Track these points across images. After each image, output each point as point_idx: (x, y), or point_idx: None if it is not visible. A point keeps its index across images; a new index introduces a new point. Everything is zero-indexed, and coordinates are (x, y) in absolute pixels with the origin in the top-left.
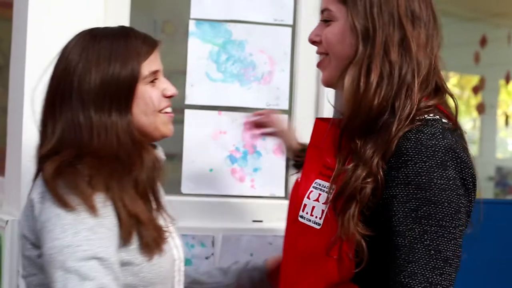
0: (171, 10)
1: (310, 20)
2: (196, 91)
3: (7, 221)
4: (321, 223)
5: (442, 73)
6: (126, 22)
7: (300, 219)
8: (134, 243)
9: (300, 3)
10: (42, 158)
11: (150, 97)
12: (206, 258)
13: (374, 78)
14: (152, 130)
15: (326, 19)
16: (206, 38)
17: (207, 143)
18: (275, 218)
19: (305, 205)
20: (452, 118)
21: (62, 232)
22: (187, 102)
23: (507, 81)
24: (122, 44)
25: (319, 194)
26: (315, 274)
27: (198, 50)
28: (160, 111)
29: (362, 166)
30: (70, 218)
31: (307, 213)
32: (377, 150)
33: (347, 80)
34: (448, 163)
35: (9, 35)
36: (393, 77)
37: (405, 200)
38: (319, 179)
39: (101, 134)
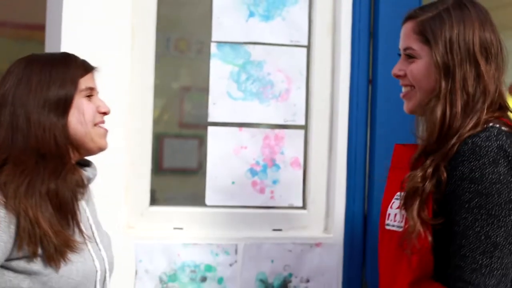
0: (193, 33)
1: (323, 41)
2: (218, 109)
3: None
4: (402, 226)
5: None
6: (152, 45)
7: (386, 227)
8: (39, 255)
9: (314, 26)
10: None
11: (85, 109)
12: (230, 265)
13: (458, 109)
14: (89, 141)
15: (410, 56)
16: (227, 59)
17: (229, 158)
18: (294, 227)
19: (389, 214)
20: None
21: None
22: (210, 119)
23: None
24: (62, 69)
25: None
26: (403, 272)
27: (219, 71)
28: (95, 124)
29: (420, 170)
30: None
31: (391, 220)
32: (436, 158)
33: (438, 112)
34: (500, 161)
35: None
36: (468, 106)
37: (461, 194)
38: (399, 191)
39: (38, 133)
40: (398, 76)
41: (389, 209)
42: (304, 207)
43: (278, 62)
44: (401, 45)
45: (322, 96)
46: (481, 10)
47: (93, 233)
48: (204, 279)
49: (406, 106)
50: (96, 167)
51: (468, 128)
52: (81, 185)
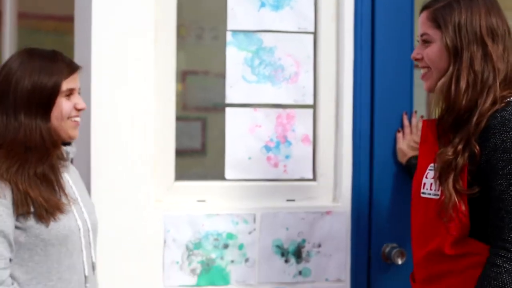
0: (211, 22)
1: (328, 28)
2: (234, 91)
3: None
4: (439, 194)
5: None
6: (173, 33)
7: (422, 195)
8: (32, 213)
9: (320, 14)
10: None
11: (63, 107)
12: (249, 233)
13: (462, 85)
14: (62, 132)
15: (426, 40)
16: (241, 46)
17: (245, 136)
18: (305, 197)
19: (424, 183)
20: None
21: None
22: (227, 101)
23: None
24: (51, 63)
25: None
26: (442, 235)
27: (235, 57)
28: (68, 118)
29: (450, 147)
30: None
31: (427, 189)
32: (464, 135)
33: (444, 88)
34: None
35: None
36: (476, 83)
37: (495, 162)
38: (433, 163)
39: (27, 132)
40: (416, 59)
41: (424, 179)
42: (314, 179)
43: (287, 47)
44: (419, 31)
45: (328, 78)
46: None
47: (76, 198)
48: (226, 246)
49: (425, 85)
50: (75, 146)
51: (487, 105)
52: (62, 158)
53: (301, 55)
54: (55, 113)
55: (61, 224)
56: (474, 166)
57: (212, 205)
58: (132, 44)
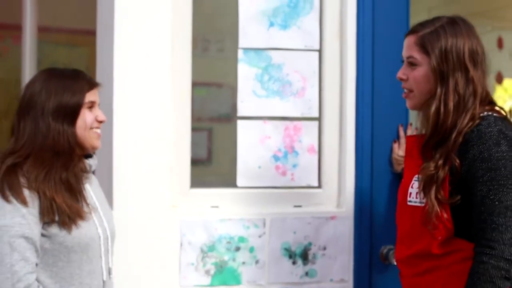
0: (223, 41)
1: (332, 46)
2: (246, 105)
3: None
4: (424, 202)
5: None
6: (188, 47)
7: (409, 203)
8: (56, 221)
9: (324, 33)
10: (5, 155)
11: (87, 118)
12: (259, 236)
13: (450, 108)
14: (85, 142)
15: (412, 63)
16: (252, 63)
17: (256, 146)
18: (311, 204)
19: (410, 193)
20: (502, 113)
21: (2, 215)
22: (239, 114)
23: (499, 82)
24: (73, 82)
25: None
26: (427, 237)
27: (246, 73)
28: (91, 128)
29: (432, 162)
30: (9, 207)
31: (413, 198)
32: (444, 151)
33: (433, 109)
34: (501, 142)
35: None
36: (460, 105)
37: (474, 171)
38: (417, 174)
39: (55, 136)
40: (401, 79)
41: (410, 188)
42: (319, 186)
43: (295, 64)
44: (404, 54)
45: (332, 92)
46: (469, 26)
47: (97, 207)
48: (238, 249)
49: (409, 104)
50: (96, 158)
51: (465, 123)
52: (85, 171)
53: (307, 71)
54: (79, 123)
55: (83, 232)
56: (455, 177)
57: (225, 211)
58: (151, 58)
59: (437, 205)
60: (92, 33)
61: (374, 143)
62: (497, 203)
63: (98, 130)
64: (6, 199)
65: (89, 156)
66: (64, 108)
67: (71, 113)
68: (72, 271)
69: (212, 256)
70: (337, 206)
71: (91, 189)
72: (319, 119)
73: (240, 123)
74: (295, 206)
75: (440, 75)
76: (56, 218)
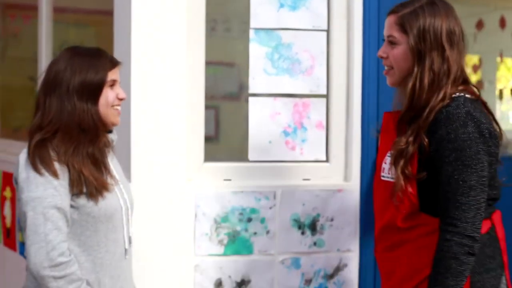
0: (235, 21)
1: (340, 26)
2: (257, 83)
3: None
4: (395, 177)
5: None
6: (202, 28)
7: (382, 178)
8: (84, 192)
9: (332, 13)
10: (33, 130)
11: (109, 96)
12: (270, 208)
13: (425, 85)
14: (107, 119)
15: (392, 42)
16: (262, 43)
17: (266, 122)
18: (320, 177)
19: (383, 168)
20: (476, 93)
21: (36, 187)
22: (250, 91)
23: (502, 59)
24: (96, 60)
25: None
26: (394, 210)
27: (257, 52)
28: (112, 106)
29: (403, 137)
30: (42, 179)
31: (386, 173)
32: (415, 128)
33: (409, 87)
34: (468, 123)
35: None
36: (434, 83)
37: (441, 151)
38: (391, 150)
39: (81, 114)
40: (382, 57)
41: (383, 164)
42: (327, 160)
43: (303, 43)
44: (385, 33)
45: (340, 70)
46: (448, 6)
47: (117, 180)
48: (249, 220)
49: (388, 81)
50: (116, 134)
51: (437, 101)
52: (108, 146)
53: (316, 50)
54: (102, 101)
55: (108, 203)
56: (423, 155)
57: (237, 183)
58: (166, 38)
59: (403, 179)
60: (99, 13)
61: (379, 119)
62: (461, 182)
63: (119, 108)
64: (38, 172)
65: (109, 131)
66: (88, 85)
67: (95, 91)
68: (98, 240)
69: (225, 226)
70: (344, 179)
71: (111, 164)
72: (326, 96)
73: (251, 100)
74: (304, 179)
75: (418, 54)
76: (84, 189)
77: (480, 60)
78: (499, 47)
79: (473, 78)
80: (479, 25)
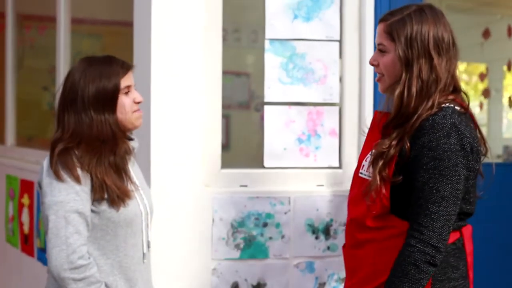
0: (252, 33)
1: (352, 36)
2: (272, 92)
3: None
4: (371, 176)
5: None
6: (219, 39)
7: (360, 174)
8: (105, 199)
9: (344, 24)
10: (55, 141)
11: (125, 103)
12: (285, 213)
13: (413, 93)
14: (127, 123)
15: (382, 50)
16: (277, 53)
17: (281, 129)
18: (333, 183)
19: (363, 165)
20: (465, 105)
21: (58, 192)
22: (266, 100)
23: (509, 68)
24: (108, 67)
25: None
26: (365, 208)
27: (272, 62)
28: (133, 112)
29: (387, 140)
30: (64, 184)
31: (364, 170)
32: (400, 132)
33: (396, 94)
34: (451, 134)
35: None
36: (422, 91)
37: (420, 158)
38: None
39: (99, 126)
40: (373, 65)
41: (364, 161)
42: (340, 167)
43: (317, 54)
44: (376, 41)
45: (352, 79)
46: (436, 13)
47: (138, 186)
48: (265, 225)
49: (380, 88)
50: (137, 141)
51: (426, 109)
52: (129, 152)
53: (329, 60)
54: (119, 109)
55: (128, 209)
56: (402, 159)
57: (253, 189)
58: (184, 47)
59: (378, 180)
60: (116, 24)
61: None
62: (434, 191)
63: (139, 111)
64: (60, 178)
65: (130, 139)
66: (102, 94)
67: (110, 100)
68: (118, 244)
69: (242, 231)
70: None
71: (132, 171)
72: (339, 104)
73: (267, 108)
74: (318, 185)
75: (406, 62)
76: (106, 196)
77: (487, 69)
78: (506, 55)
79: (480, 86)
80: (486, 34)
